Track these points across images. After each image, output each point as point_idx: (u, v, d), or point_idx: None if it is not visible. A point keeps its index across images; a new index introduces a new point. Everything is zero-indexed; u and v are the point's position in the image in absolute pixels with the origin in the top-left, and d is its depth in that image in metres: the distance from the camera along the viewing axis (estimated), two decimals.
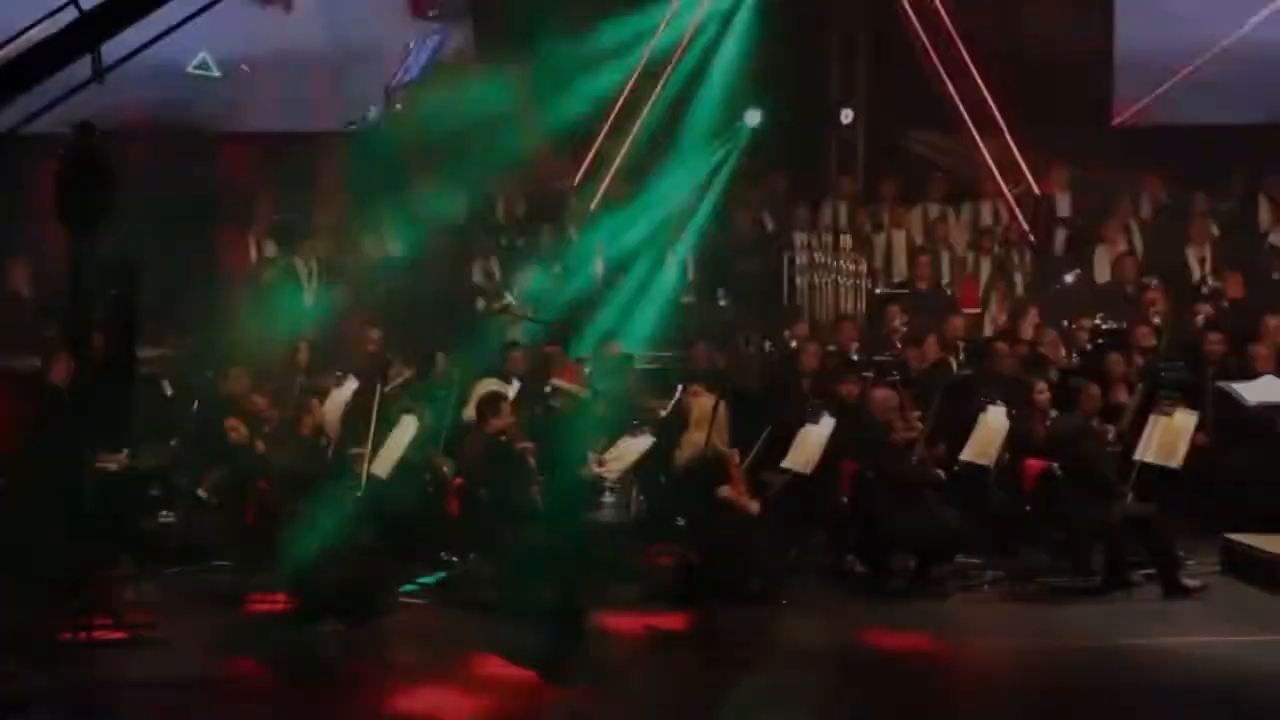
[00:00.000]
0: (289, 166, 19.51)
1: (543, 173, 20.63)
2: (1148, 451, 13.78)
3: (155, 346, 16.40)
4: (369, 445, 13.38)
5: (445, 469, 13.63)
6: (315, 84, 20.23)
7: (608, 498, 12.67)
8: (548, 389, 12.28)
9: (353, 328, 16.56)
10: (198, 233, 17.52)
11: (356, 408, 14.05)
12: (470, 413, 13.82)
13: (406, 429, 13.44)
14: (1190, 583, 13.28)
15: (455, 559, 13.48)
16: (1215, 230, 20.35)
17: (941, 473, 13.79)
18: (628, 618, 12.71)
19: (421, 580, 13.61)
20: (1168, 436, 13.76)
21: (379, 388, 14.00)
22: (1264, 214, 20.85)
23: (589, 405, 12.19)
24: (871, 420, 13.63)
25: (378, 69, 20.54)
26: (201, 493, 14.04)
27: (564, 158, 20.81)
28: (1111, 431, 14.25)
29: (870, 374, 15.12)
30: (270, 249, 18.80)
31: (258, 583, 12.99)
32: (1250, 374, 15.15)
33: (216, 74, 19.44)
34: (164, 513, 14.63)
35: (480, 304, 18.22)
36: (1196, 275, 19.63)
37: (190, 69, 19.26)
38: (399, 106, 20.47)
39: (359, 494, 13.02)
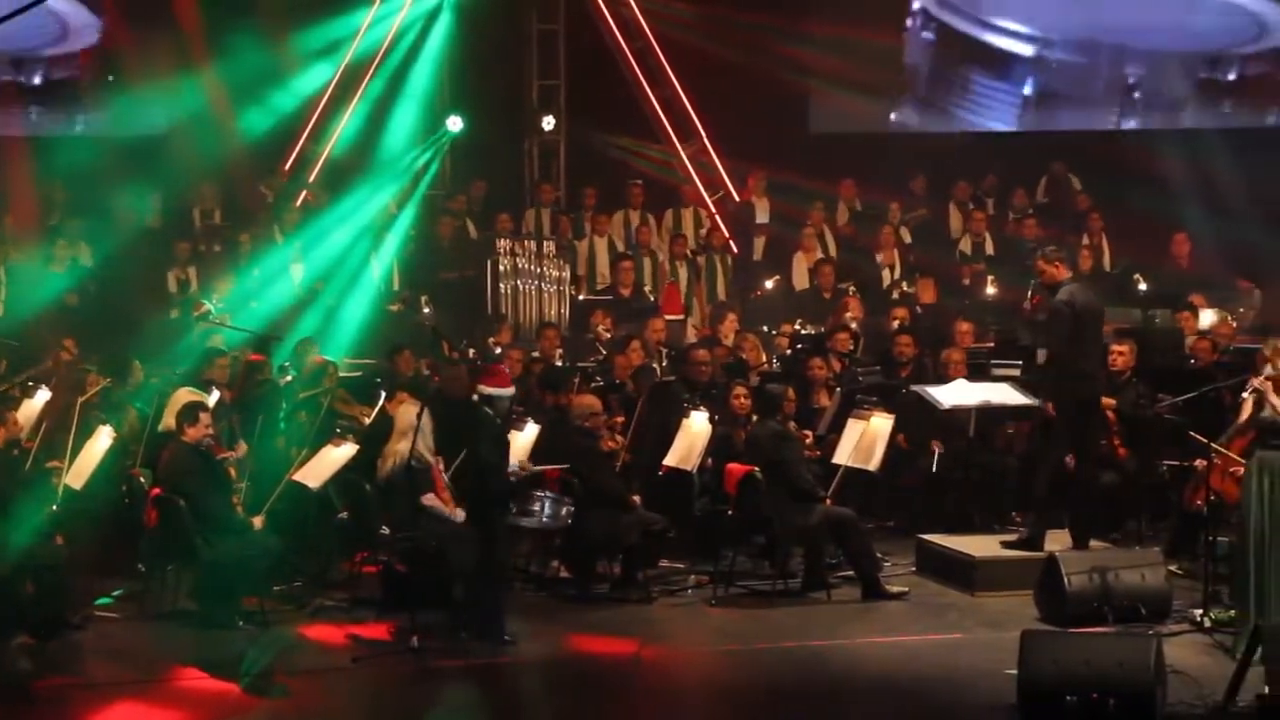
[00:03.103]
0: None
1: (241, 176, 20.38)
2: (846, 455, 14.03)
3: None
4: (66, 456, 13.04)
5: (142, 479, 13.35)
6: None
7: (535, 505, 12.62)
8: (475, 396, 12.19)
9: (47, 336, 16.13)
10: None
11: (52, 418, 13.68)
12: (169, 422, 13.55)
13: (102, 439, 13.14)
14: (890, 587, 13.54)
15: (153, 570, 13.19)
16: (906, 237, 20.87)
17: (638, 498, 13.79)
18: (332, 627, 12.60)
19: (117, 593, 13.32)
20: (865, 440, 14.01)
21: (76, 398, 13.67)
22: (954, 221, 21.43)
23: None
24: (576, 426, 13.66)
25: None
26: None
27: (264, 161, 20.58)
28: (810, 435, 14.48)
29: (575, 379, 15.17)
30: None
31: None
32: (944, 378, 15.48)
33: None
34: None
35: (176, 311, 17.88)
36: (887, 281, 20.08)
37: None
38: None
39: (53, 506, 12.68)
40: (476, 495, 12.21)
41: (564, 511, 12.95)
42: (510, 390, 12.51)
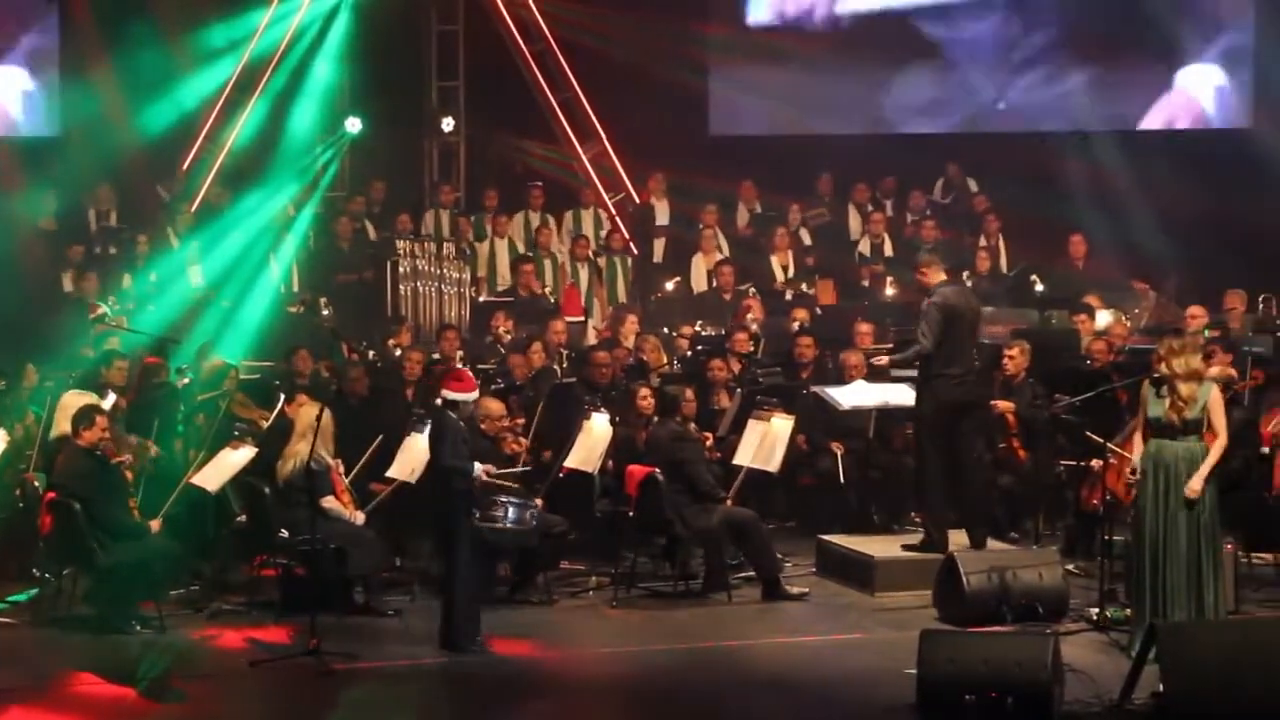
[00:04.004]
0: None
1: (138, 177, 20.21)
2: (746, 456, 14.06)
3: None
4: None
5: (36, 484, 13.21)
6: None
7: (499, 511, 12.56)
8: (439, 401, 12.12)
9: None
10: None
11: None
12: (63, 426, 13.41)
13: None
14: (791, 588, 13.58)
15: (48, 576, 13.06)
16: (806, 238, 20.94)
17: (539, 500, 13.76)
18: (230, 631, 12.52)
19: (12, 598, 13.18)
20: (766, 441, 14.04)
21: None
22: (854, 223, 21.52)
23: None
24: (478, 429, 13.61)
25: None
26: None
27: (161, 162, 20.42)
28: (710, 437, 14.49)
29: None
30: None
31: None
32: (843, 379, 15.51)
33: None
34: None
35: (72, 314, 17.69)
36: (780, 281, 20.13)
37: None
38: None
39: None
40: (440, 500, 12.13)
41: (528, 515, 12.86)
42: (474, 395, 12.45)
